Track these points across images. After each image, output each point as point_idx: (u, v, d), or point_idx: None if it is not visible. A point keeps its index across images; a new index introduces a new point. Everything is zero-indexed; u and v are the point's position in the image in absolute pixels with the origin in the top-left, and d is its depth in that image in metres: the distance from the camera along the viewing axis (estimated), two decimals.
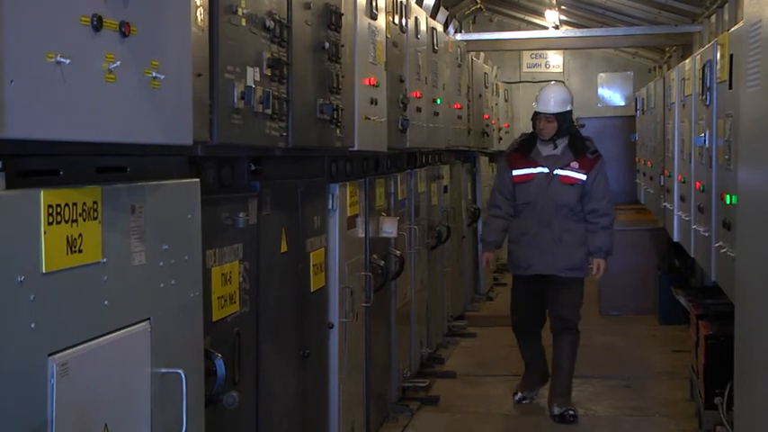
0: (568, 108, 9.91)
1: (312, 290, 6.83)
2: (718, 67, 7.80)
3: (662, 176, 12.69)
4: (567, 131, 9.88)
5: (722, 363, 7.96)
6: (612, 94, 22.22)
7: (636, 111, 18.59)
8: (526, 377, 10.45)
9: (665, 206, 12.30)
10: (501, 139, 18.78)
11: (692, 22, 15.48)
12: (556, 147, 9.85)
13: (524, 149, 9.96)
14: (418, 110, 10.10)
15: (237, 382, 5.16)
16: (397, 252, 9.15)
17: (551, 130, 9.79)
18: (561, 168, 9.74)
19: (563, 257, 9.73)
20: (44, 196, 3.17)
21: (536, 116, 9.91)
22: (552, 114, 9.78)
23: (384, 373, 9.29)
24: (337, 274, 7.41)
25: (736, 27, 7.03)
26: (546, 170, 9.77)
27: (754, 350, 4.83)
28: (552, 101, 9.86)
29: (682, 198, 10.53)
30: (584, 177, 9.70)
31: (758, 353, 4.73)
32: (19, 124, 2.88)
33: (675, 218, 10.94)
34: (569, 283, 9.91)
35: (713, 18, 14.08)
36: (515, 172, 9.90)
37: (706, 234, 8.37)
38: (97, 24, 3.22)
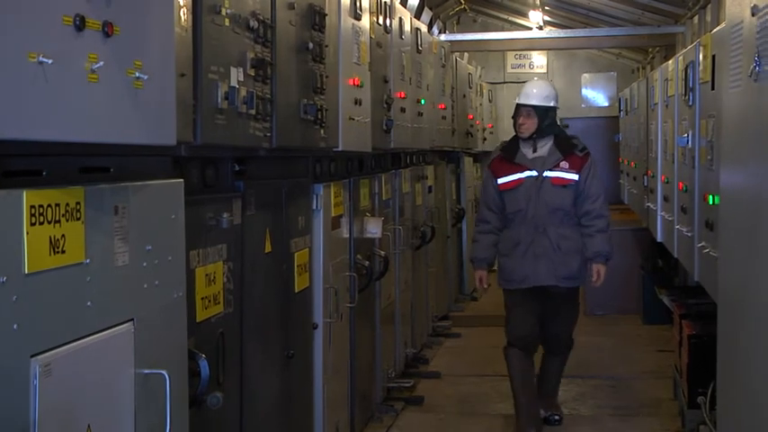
0: (551, 104, 9.19)
1: (296, 290, 6.83)
2: (701, 67, 7.81)
3: (645, 177, 12.71)
4: (549, 130, 9.14)
5: (705, 362, 7.98)
6: (596, 95, 22.22)
7: (619, 111, 18.65)
8: (520, 428, 9.16)
9: (648, 206, 12.32)
10: (485, 139, 18.80)
11: (674, 23, 15.51)
12: (540, 148, 9.11)
13: (508, 154, 9.18)
14: (402, 110, 10.11)
15: (221, 382, 5.16)
16: (382, 252, 9.16)
17: (531, 127, 9.06)
18: (551, 170, 9.00)
19: (561, 266, 9.00)
20: (27, 197, 3.17)
21: (516, 112, 9.21)
22: (532, 107, 9.07)
23: (369, 373, 9.29)
24: (321, 274, 7.41)
25: (718, 28, 7.05)
26: (534, 173, 8.99)
27: (737, 350, 4.84)
28: (534, 93, 9.19)
29: (665, 198, 10.54)
30: (575, 177, 9.00)
31: (740, 353, 4.74)
32: (1, 124, 2.88)
33: (659, 218, 10.95)
34: (567, 296, 9.32)
35: (695, 19, 14.11)
36: (501, 180, 9.10)
37: (689, 234, 8.39)
38: (80, 24, 3.22)
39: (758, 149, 4.29)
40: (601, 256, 9.10)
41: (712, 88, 7.05)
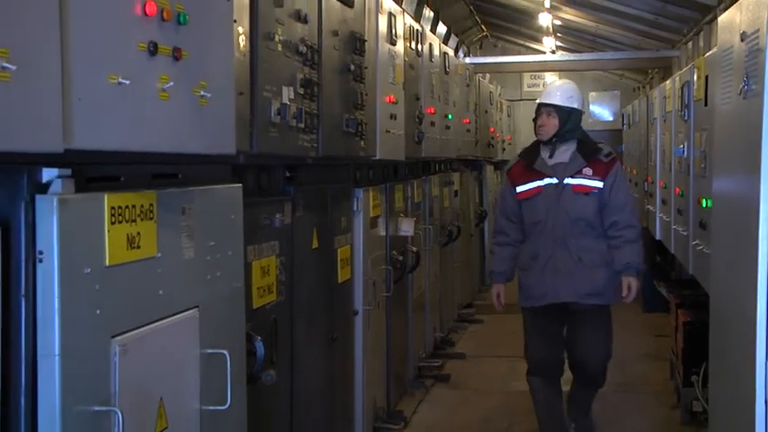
0: (575, 106, 7.42)
1: (339, 281, 6.84)
2: (695, 86, 7.79)
3: (645, 183, 12.68)
4: (571, 135, 7.38)
5: (698, 346, 7.97)
6: (602, 111, 22.19)
7: (622, 125, 18.58)
8: None
9: (648, 208, 12.28)
10: (504, 149, 18.77)
11: (671, 47, 15.46)
12: (561, 153, 7.37)
13: (527, 160, 7.48)
14: (432, 124, 10.10)
15: (274, 362, 5.15)
16: (414, 248, 9.15)
17: (551, 129, 7.32)
18: (572, 176, 7.27)
19: (583, 281, 7.26)
20: (108, 199, 3.19)
21: (537, 112, 7.50)
22: (554, 108, 7.34)
23: (402, 354, 9.29)
24: (361, 267, 7.41)
25: (710, 52, 7.02)
26: (555, 181, 7.29)
27: (727, 335, 4.82)
28: (557, 92, 7.47)
29: (663, 201, 10.50)
30: (600, 185, 7.25)
31: (730, 338, 4.73)
32: (85, 136, 2.89)
33: (657, 219, 10.91)
34: (592, 315, 7.42)
35: (690, 44, 14.06)
36: (519, 188, 7.41)
37: (684, 233, 8.36)
38: (153, 50, 3.24)
39: (746, 159, 4.28)
40: (631, 267, 7.37)
41: (705, 105, 7.03)
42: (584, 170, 7.29)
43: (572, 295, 7.29)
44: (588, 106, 21.82)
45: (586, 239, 7.30)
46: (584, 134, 7.55)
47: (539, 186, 7.36)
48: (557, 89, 7.58)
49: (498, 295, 7.74)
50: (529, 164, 7.45)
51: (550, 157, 7.38)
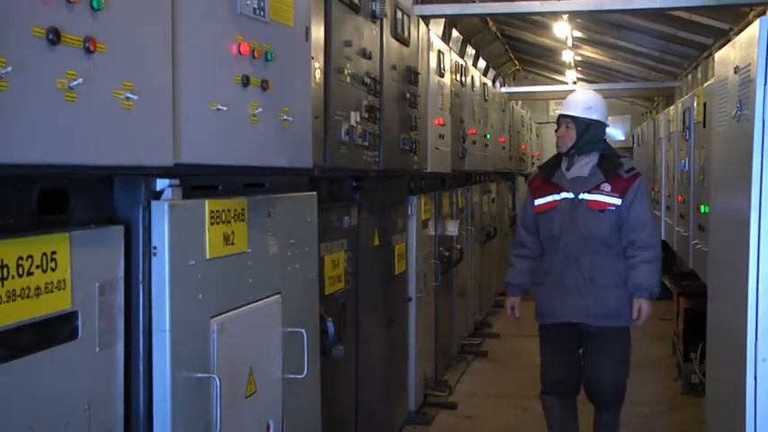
0: (594, 117, 5.94)
1: (396, 273, 6.84)
2: (695, 111, 7.74)
3: (653, 192, 12.58)
4: (590, 147, 5.94)
5: (696, 328, 7.92)
6: (615, 131, 22.04)
7: (633, 143, 18.43)
8: None
9: (654, 213, 12.20)
10: (533, 163, 18.69)
11: (674, 79, 15.36)
12: (581, 167, 5.96)
13: (547, 173, 6.11)
14: (473, 142, 10.09)
15: (343, 339, 5.16)
16: (458, 246, 9.14)
17: (568, 141, 5.95)
18: (589, 192, 5.85)
19: (594, 302, 5.86)
20: (208, 205, 3.22)
21: (558, 123, 6.14)
22: (572, 119, 5.95)
23: (448, 333, 9.29)
24: (414, 261, 7.41)
25: (707, 83, 6.98)
26: (571, 195, 5.90)
27: (720, 319, 4.79)
28: (576, 103, 6.04)
29: (668, 208, 10.45)
30: (618, 202, 5.81)
31: (723, 321, 4.70)
32: (191, 153, 2.94)
33: (663, 222, 10.84)
34: (607, 336, 5.92)
35: (689, 76, 13.98)
36: (537, 201, 6.10)
37: (685, 234, 8.31)
38: (246, 82, 3.27)
39: (739, 172, 4.26)
40: (642, 289, 5.80)
41: (704, 127, 6.99)
42: (602, 186, 5.86)
43: (581, 316, 5.91)
44: None
45: (601, 259, 5.86)
46: (607, 148, 6.07)
47: (555, 200, 5.98)
48: (576, 99, 6.12)
49: (513, 308, 6.33)
50: (548, 176, 6.08)
51: (568, 170, 6.00)
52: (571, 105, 6.01)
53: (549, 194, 6.00)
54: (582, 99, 6.09)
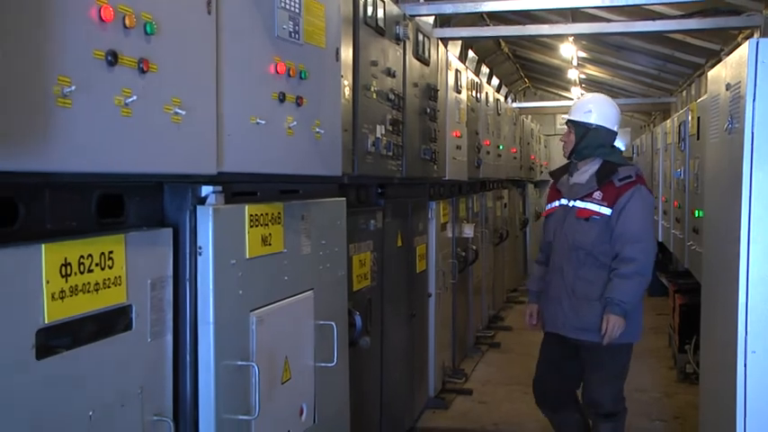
0: (591, 121, 5.22)
1: (417, 271, 6.84)
2: (690, 125, 7.71)
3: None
4: (590, 152, 5.22)
5: (690, 322, 7.91)
6: (617, 143, 21.99)
7: (633, 154, 18.35)
8: None
9: (655, 219, 12.15)
10: (542, 172, 18.63)
11: (669, 95, 15.28)
12: (581, 174, 5.26)
13: (554, 178, 5.53)
14: (487, 153, 10.08)
15: (369, 331, 5.18)
16: (473, 247, 9.13)
17: (568, 146, 5.30)
18: (582, 199, 5.12)
19: (573, 314, 5.12)
20: (248, 209, 3.24)
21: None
22: (572, 122, 5.31)
23: (464, 326, 9.28)
24: (434, 261, 7.40)
25: (701, 99, 6.95)
26: (566, 202, 5.24)
27: (713, 314, 4.78)
28: (575, 106, 5.41)
29: (665, 212, 10.39)
30: (606, 212, 5.02)
31: (715, 317, 4.68)
32: (233, 162, 2.95)
33: (660, 225, 10.78)
34: (598, 352, 5.09)
35: (684, 93, 13.90)
36: (547, 206, 5.53)
37: (681, 236, 8.28)
38: (282, 98, 3.29)
39: (730, 180, 4.24)
40: (613, 303, 4.91)
41: (698, 139, 6.96)
42: (594, 194, 5.10)
43: (560, 327, 5.24)
44: None
45: (586, 270, 5.09)
46: (611, 153, 5.28)
47: (554, 206, 5.36)
48: (577, 103, 5.49)
49: (530, 315, 5.58)
50: (555, 182, 5.49)
51: (570, 176, 5.35)
52: (572, 109, 5.40)
53: (553, 200, 5.40)
54: (581, 103, 5.41)
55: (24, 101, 2.00)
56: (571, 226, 5.16)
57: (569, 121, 5.37)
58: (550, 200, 5.46)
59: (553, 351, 5.41)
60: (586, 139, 5.24)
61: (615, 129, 5.34)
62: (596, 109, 5.28)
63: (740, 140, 3.97)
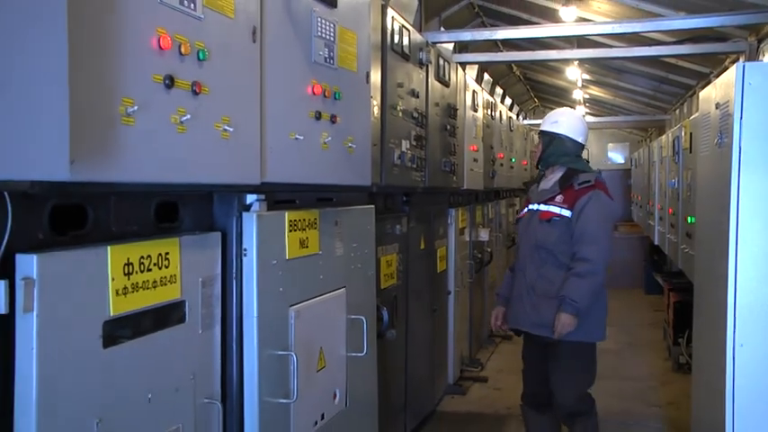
0: (555, 131, 5.01)
1: (438, 271, 6.83)
2: (683, 140, 7.65)
3: (647, 205, 12.45)
4: (554, 160, 5.01)
5: (683, 317, 7.85)
6: (616, 156, 21.76)
7: (631, 166, 18.30)
8: None
9: (649, 223, 12.06)
10: None
11: (665, 113, 15.20)
12: (548, 181, 5.05)
13: (527, 188, 5.39)
14: (501, 165, 10.05)
15: (395, 324, 5.18)
16: (488, 249, 9.11)
17: (537, 154, 5.17)
18: (545, 203, 4.89)
19: (533, 310, 4.84)
20: (287, 215, 3.25)
21: None
22: (541, 133, 5.12)
23: (480, 320, 9.25)
24: (453, 262, 7.39)
25: (693, 116, 6.90)
26: (533, 207, 5.00)
27: (703, 310, 4.75)
28: (545, 118, 5.20)
29: (660, 218, 10.31)
30: (567, 213, 4.78)
31: (705, 313, 4.65)
32: (274, 173, 2.95)
33: (656, 230, 10.71)
34: (561, 349, 4.82)
35: (677, 111, 13.84)
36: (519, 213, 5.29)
37: (675, 240, 8.21)
38: (318, 116, 3.30)
39: (719, 190, 4.22)
40: (565, 301, 4.62)
41: (690, 152, 6.91)
42: (556, 197, 4.88)
43: (519, 322, 4.99)
44: (607, 153, 21.50)
45: (547, 269, 4.83)
46: (575, 162, 5.02)
47: (525, 212, 5.10)
48: (547, 115, 5.24)
49: (497, 317, 5.27)
50: (528, 190, 5.27)
51: (538, 183, 5.15)
52: (543, 121, 5.17)
53: (524, 207, 5.14)
54: (551, 114, 5.20)
55: (95, 121, 2.02)
56: (535, 227, 4.93)
57: (539, 132, 5.18)
58: (523, 207, 5.20)
59: (529, 351, 5.15)
60: (551, 147, 5.04)
61: (580, 140, 5.09)
62: (563, 120, 5.07)
63: (729, 154, 3.96)
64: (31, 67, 1.93)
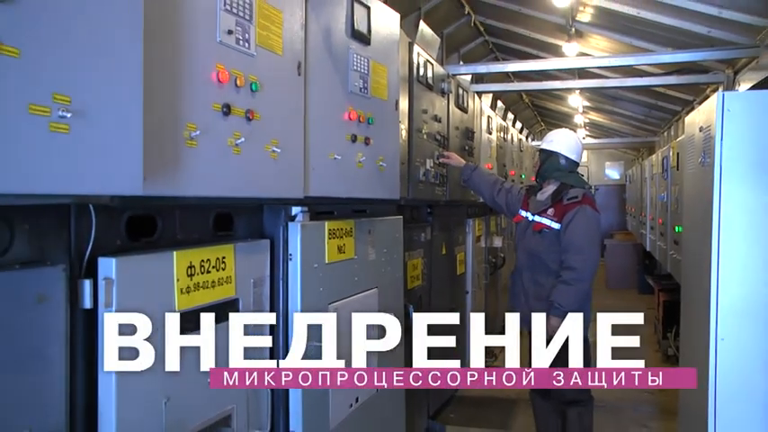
0: (553, 149, 4.93)
1: (457, 273, 6.80)
2: (671, 159, 7.60)
3: (640, 216, 12.36)
4: (548, 175, 4.92)
5: (672, 314, 7.75)
6: (613, 173, 21.63)
7: (626, 181, 18.19)
8: None
9: (642, 232, 11.97)
10: None
11: (654, 135, 15.12)
12: (544, 193, 4.93)
13: (529, 193, 5.10)
14: (513, 180, 10.03)
15: None
16: (502, 254, 9.08)
17: (536, 169, 5.06)
18: (539, 215, 4.82)
19: (527, 310, 4.65)
20: (327, 225, 3.26)
21: None
22: (539, 150, 5.05)
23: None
24: (470, 265, 7.35)
25: (680, 138, 6.85)
26: (530, 217, 4.89)
27: (689, 308, 4.71)
28: (543, 137, 5.20)
29: (651, 228, 10.24)
30: (556, 226, 4.72)
31: (691, 311, 4.61)
32: (316, 189, 2.97)
33: (648, 238, 10.63)
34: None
35: (666, 133, 13.73)
36: (519, 211, 5.06)
37: (664, 247, 8.15)
38: (354, 139, 3.32)
39: (703, 203, 4.20)
40: (553, 306, 4.49)
41: (677, 170, 6.85)
42: (548, 210, 4.80)
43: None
44: (604, 170, 21.35)
45: (540, 275, 4.78)
46: (567, 176, 4.91)
47: (522, 216, 4.99)
48: (545, 135, 5.19)
49: None
50: (527, 195, 5.09)
51: (535, 195, 5.01)
52: (542, 140, 5.11)
53: (523, 209, 5.00)
54: (548, 134, 5.12)
55: (164, 143, 2.06)
56: (529, 237, 4.88)
57: (538, 150, 5.10)
58: (521, 206, 5.05)
59: None
60: (547, 163, 4.95)
61: (573, 157, 4.97)
62: (557, 139, 4.99)
63: (711, 171, 3.93)
64: (112, 98, 1.96)
